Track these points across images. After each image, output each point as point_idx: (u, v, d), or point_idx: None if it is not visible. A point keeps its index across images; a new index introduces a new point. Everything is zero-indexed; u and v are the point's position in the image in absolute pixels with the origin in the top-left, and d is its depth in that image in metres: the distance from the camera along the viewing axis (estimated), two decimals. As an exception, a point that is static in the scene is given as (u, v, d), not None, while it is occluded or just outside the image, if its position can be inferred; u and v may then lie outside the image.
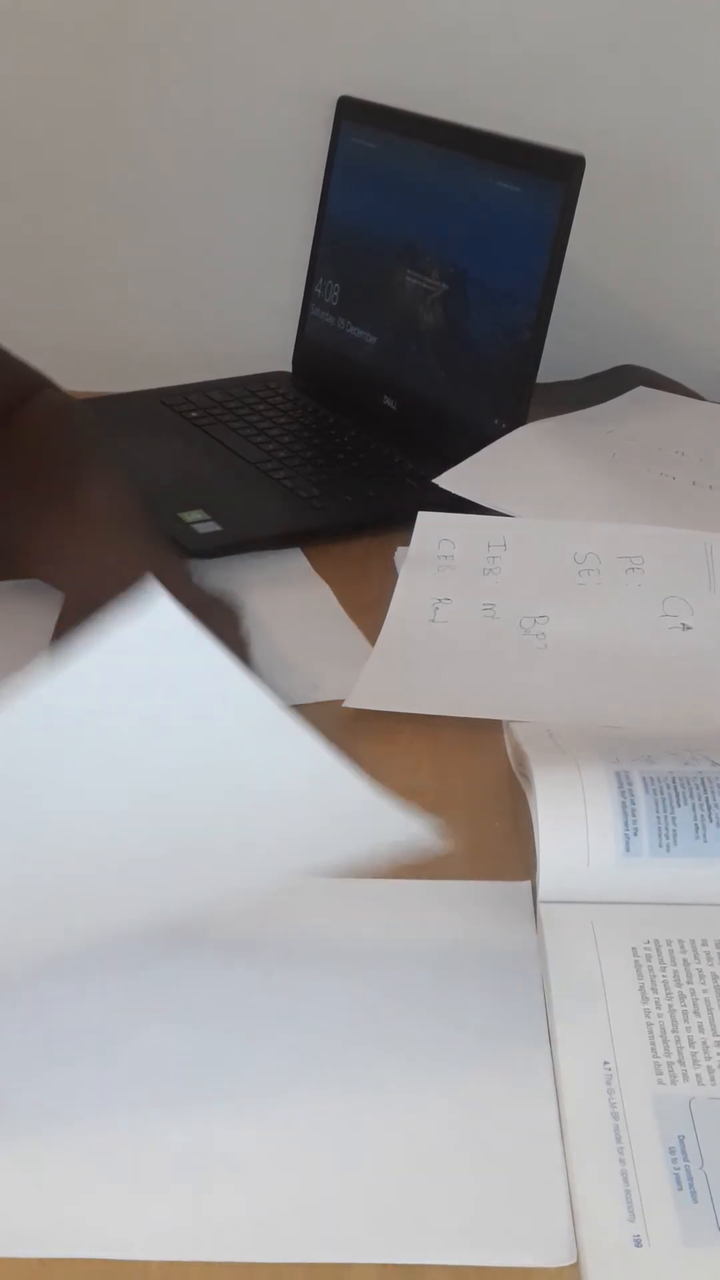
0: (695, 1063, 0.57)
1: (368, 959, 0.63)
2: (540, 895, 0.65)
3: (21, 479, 0.90)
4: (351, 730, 0.79)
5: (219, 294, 1.32)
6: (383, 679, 0.81)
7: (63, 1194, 0.52)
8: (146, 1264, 0.50)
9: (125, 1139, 0.54)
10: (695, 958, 0.62)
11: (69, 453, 0.92)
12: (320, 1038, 0.59)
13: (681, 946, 0.63)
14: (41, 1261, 0.50)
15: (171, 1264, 0.50)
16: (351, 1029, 0.59)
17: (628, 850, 0.65)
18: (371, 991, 0.61)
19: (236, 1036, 0.59)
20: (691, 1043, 0.58)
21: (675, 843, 0.65)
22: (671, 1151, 0.53)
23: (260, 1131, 0.55)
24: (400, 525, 1.00)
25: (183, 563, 0.86)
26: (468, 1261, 0.50)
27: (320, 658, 0.85)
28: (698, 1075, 0.57)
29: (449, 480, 0.98)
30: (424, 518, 0.92)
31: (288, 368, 1.29)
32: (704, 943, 0.63)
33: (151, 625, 0.45)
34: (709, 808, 0.65)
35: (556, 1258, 0.50)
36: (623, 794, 0.66)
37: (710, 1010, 0.60)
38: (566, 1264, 0.50)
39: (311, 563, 0.97)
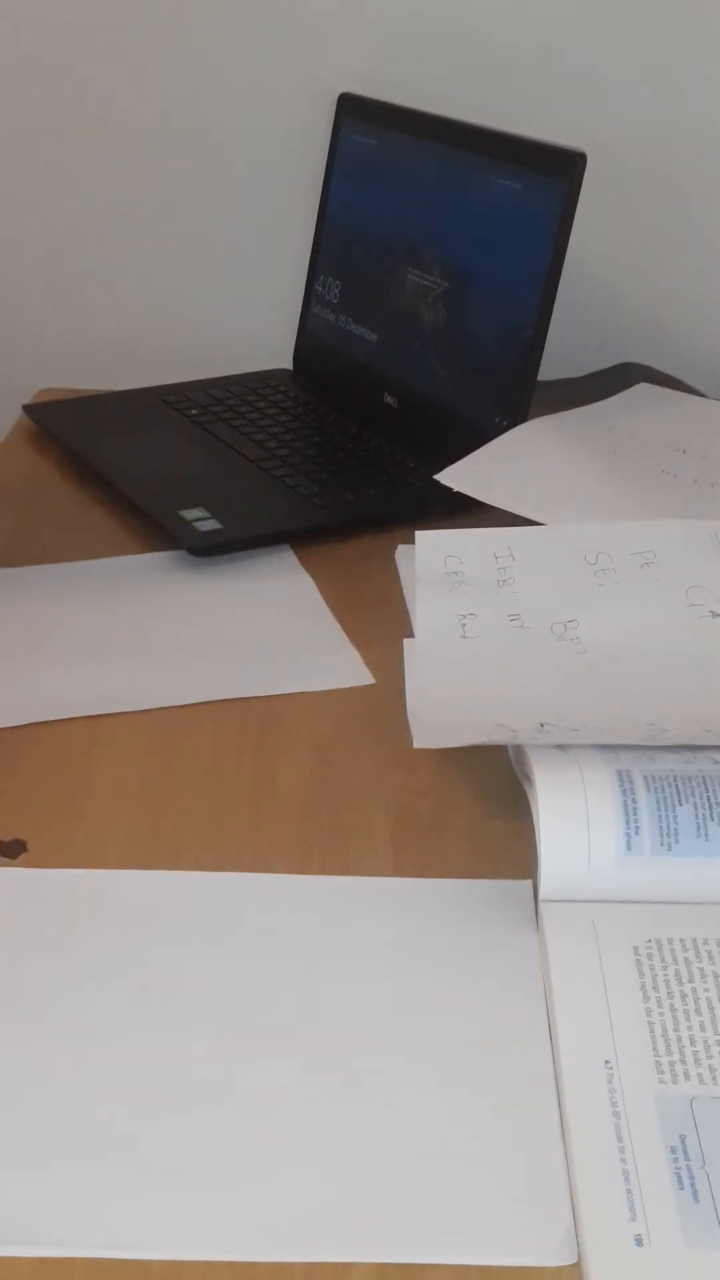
0: (697, 1062, 0.57)
1: (368, 958, 0.63)
2: (541, 894, 0.65)
3: None
4: (350, 728, 0.79)
5: (220, 292, 1.32)
6: (438, 708, 0.78)
7: (62, 1192, 0.52)
8: (147, 1263, 0.50)
9: (125, 1137, 0.54)
10: (697, 956, 0.62)
11: None
12: (320, 1036, 0.59)
13: (683, 945, 0.63)
14: (42, 1260, 0.50)
15: (171, 1263, 0.50)
16: (351, 1028, 0.59)
17: (629, 849, 0.65)
18: (372, 990, 0.61)
19: (236, 1035, 0.59)
20: (693, 1041, 0.58)
21: (677, 841, 0.65)
22: (673, 1151, 0.53)
23: (260, 1130, 0.55)
24: (401, 523, 1.00)
25: None
26: (468, 1261, 0.50)
27: (311, 653, 0.86)
28: (699, 1074, 0.57)
29: (450, 476, 0.98)
30: (423, 537, 0.89)
31: (289, 365, 1.29)
32: (705, 941, 0.63)
33: None
34: (710, 806, 0.65)
35: (558, 1257, 0.50)
36: (624, 793, 0.66)
37: (712, 1009, 0.59)
38: (568, 1263, 0.50)
39: (312, 561, 0.97)
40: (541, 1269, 0.50)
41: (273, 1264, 0.50)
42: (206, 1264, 0.50)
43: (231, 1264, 0.50)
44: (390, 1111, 0.56)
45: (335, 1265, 0.50)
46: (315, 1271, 0.50)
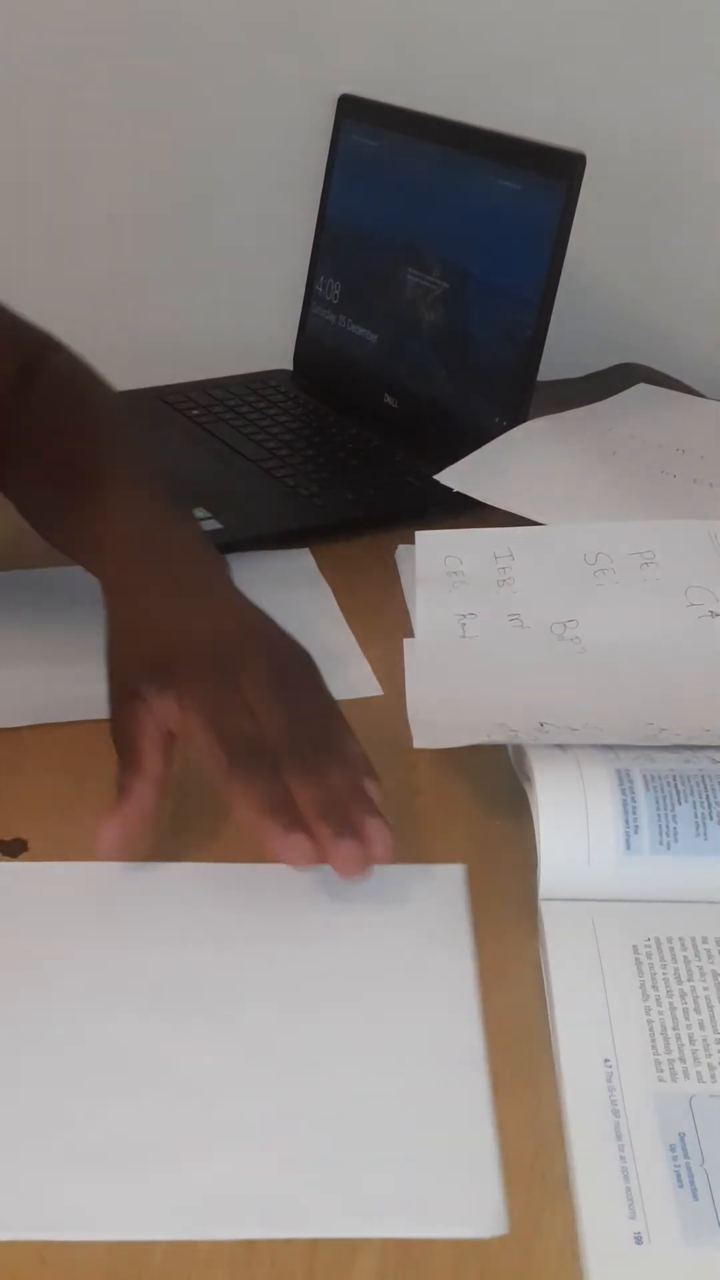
0: (696, 1060, 0.57)
1: (301, 940, 0.64)
2: (541, 893, 0.65)
3: (47, 452, 0.86)
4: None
5: (220, 292, 1.32)
6: (438, 708, 0.78)
7: (62, 1177, 0.53)
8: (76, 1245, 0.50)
9: (60, 1123, 0.55)
10: (696, 955, 0.62)
11: (97, 428, 0.87)
12: (249, 1019, 0.60)
13: (682, 944, 0.63)
14: (45, 1243, 0.51)
15: (108, 1244, 0.50)
16: (284, 1009, 0.60)
17: (628, 848, 0.65)
18: (305, 973, 0.62)
19: (235, 1028, 0.59)
20: (692, 1040, 0.58)
21: (676, 840, 0.65)
22: (672, 1149, 0.53)
23: (207, 1113, 0.55)
24: (401, 523, 1.00)
25: (221, 561, 0.79)
26: (400, 1234, 0.51)
27: (316, 659, 0.85)
28: (698, 1073, 0.57)
29: (450, 476, 0.98)
30: (423, 537, 0.89)
31: (289, 366, 1.29)
32: (705, 940, 0.63)
33: None
34: (709, 805, 0.65)
35: (488, 1228, 0.50)
36: (623, 792, 0.66)
37: (711, 1007, 0.60)
38: (497, 1235, 0.50)
39: (313, 561, 0.97)
40: (540, 1265, 0.50)
41: (270, 1240, 0.51)
42: (139, 1244, 0.50)
43: (187, 1243, 0.50)
44: (320, 1088, 0.57)
45: (338, 1241, 0.51)
46: (317, 1248, 0.50)
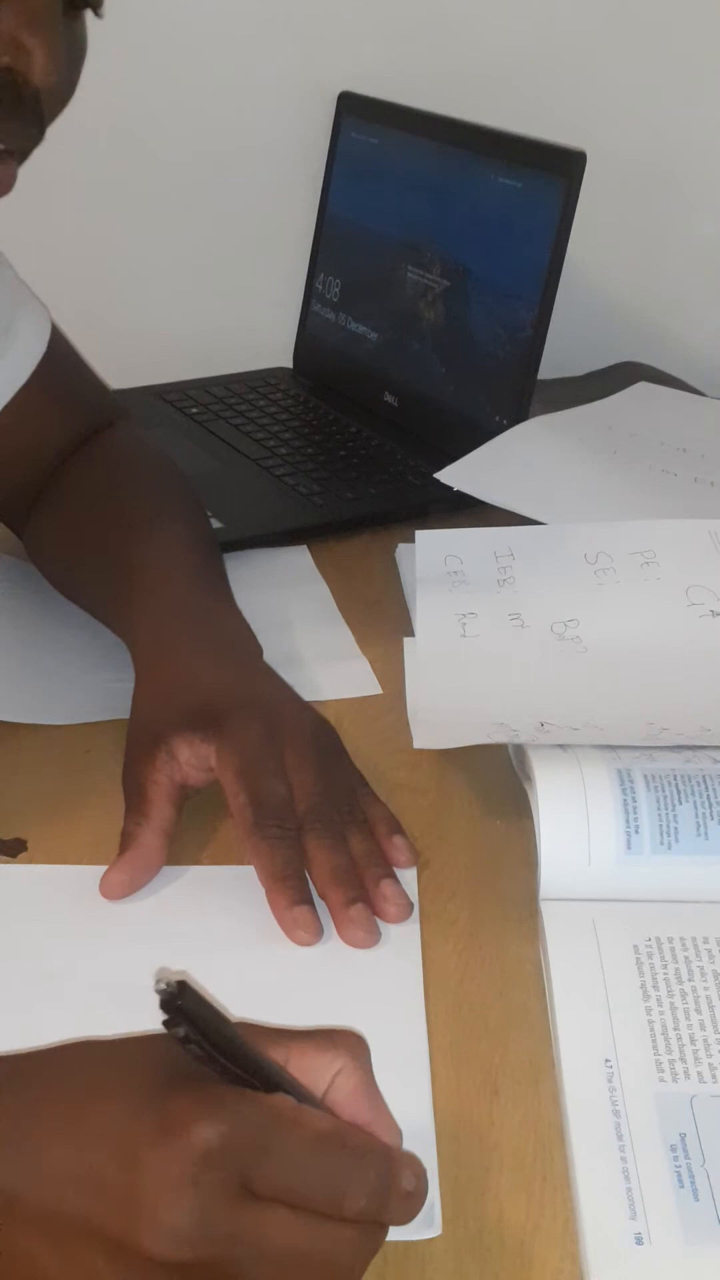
0: (697, 1060, 0.57)
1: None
2: (542, 893, 0.65)
3: (78, 518, 0.86)
4: (349, 728, 0.79)
5: (220, 290, 1.32)
6: (439, 708, 0.78)
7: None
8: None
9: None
10: (697, 955, 0.62)
11: (137, 499, 0.87)
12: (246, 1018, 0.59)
13: (683, 944, 0.63)
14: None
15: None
16: (282, 1009, 0.59)
17: (629, 848, 0.65)
18: (301, 975, 0.62)
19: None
20: (693, 1040, 0.58)
21: (677, 840, 0.65)
22: (673, 1149, 0.53)
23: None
24: (401, 522, 1.00)
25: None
26: None
27: (316, 657, 0.85)
28: (699, 1073, 0.57)
29: (450, 475, 0.98)
30: (424, 536, 0.89)
31: (289, 364, 1.29)
32: (705, 940, 0.63)
33: None
34: (710, 805, 0.65)
35: (419, 1231, 0.50)
36: (624, 791, 0.66)
37: (712, 1007, 0.60)
38: (431, 1236, 0.50)
39: (313, 559, 0.97)
40: (544, 1264, 0.50)
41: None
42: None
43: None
44: None
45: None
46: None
